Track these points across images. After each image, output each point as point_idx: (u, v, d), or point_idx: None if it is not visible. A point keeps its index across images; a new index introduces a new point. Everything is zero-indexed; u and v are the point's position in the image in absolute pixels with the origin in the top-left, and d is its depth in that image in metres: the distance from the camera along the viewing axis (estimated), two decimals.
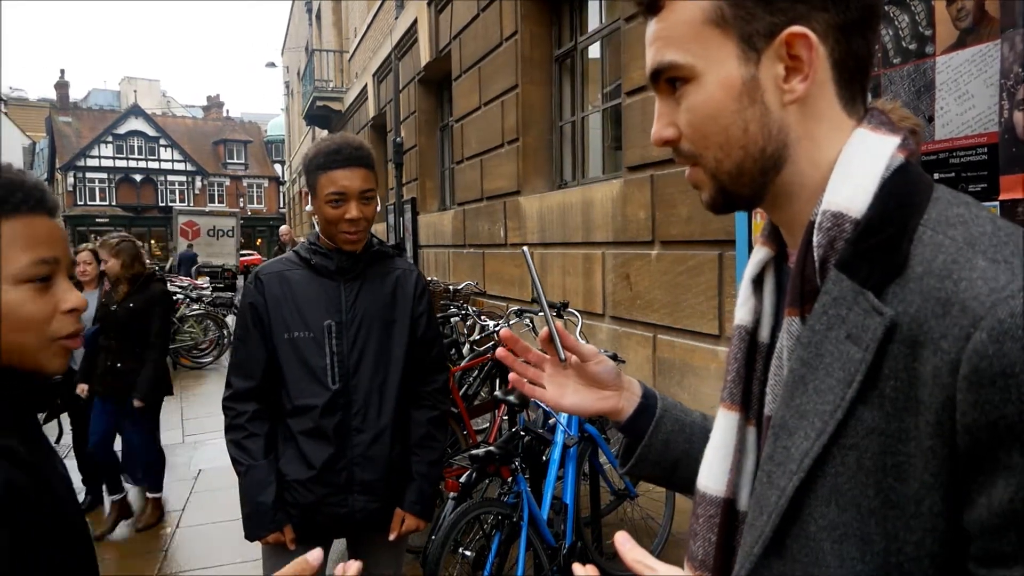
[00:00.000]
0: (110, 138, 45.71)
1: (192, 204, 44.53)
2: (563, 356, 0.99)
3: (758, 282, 0.82)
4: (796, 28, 0.69)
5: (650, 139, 0.80)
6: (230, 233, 23.99)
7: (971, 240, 0.63)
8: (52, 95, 50.14)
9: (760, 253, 0.83)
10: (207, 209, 29.84)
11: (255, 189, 50.19)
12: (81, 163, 44.86)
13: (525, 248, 0.99)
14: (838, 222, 0.68)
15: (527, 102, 7.26)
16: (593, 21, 6.68)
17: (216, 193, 48.58)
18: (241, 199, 48.68)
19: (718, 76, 0.72)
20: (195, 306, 10.99)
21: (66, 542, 0.88)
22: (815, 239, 0.70)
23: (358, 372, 2.01)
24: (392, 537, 2.08)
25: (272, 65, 30.93)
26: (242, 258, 22.42)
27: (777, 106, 0.72)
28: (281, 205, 48.61)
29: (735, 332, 0.81)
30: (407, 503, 2.08)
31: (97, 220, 45.35)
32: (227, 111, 56.25)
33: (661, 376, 4.95)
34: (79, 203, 44.89)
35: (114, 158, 45.81)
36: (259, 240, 46.91)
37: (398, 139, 11.61)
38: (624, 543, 0.74)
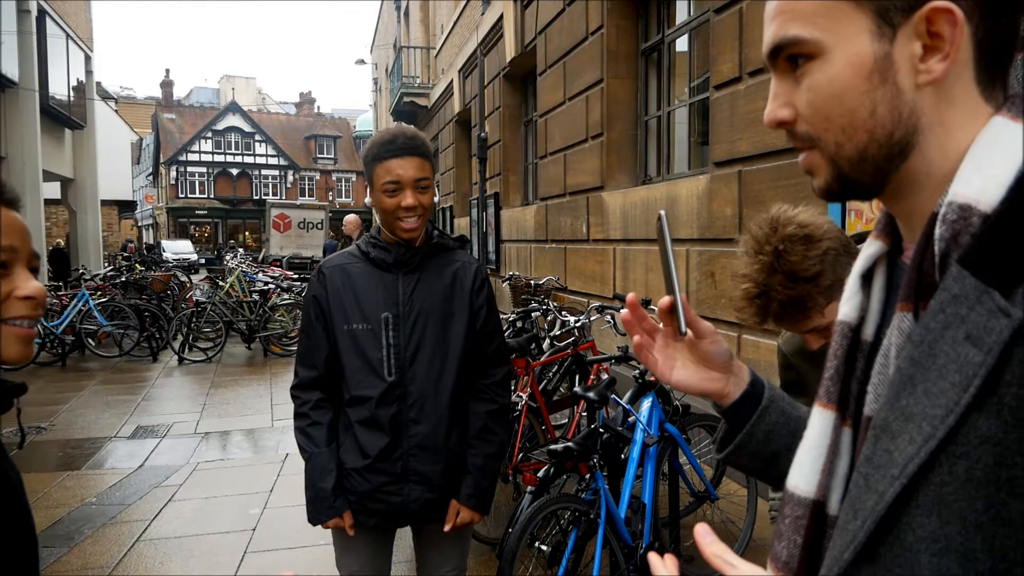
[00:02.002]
0: (209, 134, 47.88)
1: (284, 197, 46.12)
2: (683, 329, 0.96)
3: (867, 278, 0.77)
4: (939, 3, 0.63)
5: (764, 120, 0.75)
6: (319, 226, 24.74)
7: None
8: (158, 93, 52.89)
9: (872, 247, 0.77)
10: (298, 202, 30.88)
11: (343, 183, 51.57)
12: (183, 158, 47.16)
13: (662, 213, 0.94)
14: (964, 215, 0.63)
15: (612, 96, 7.19)
16: (681, 13, 6.55)
17: (307, 187, 50.19)
18: (330, 193, 50.10)
19: (847, 53, 0.67)
20: (285, 296, 11.39)
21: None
22: (937, 231, 0.64)
23: (414, 364, 2.03)
24: (447, 528, 2.10)
25: (361, 62, 31.65)
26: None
27: (910, 87, 0.66)
28: (367, 199, 49.72)
29: (837, 328, 0.77)
30: (462, 495, 2.09)
31: (196, 212, 47.60)
32: (318, 107, 58.00)
33: None
34: (180, 196, 47.22)
35: (213, 153, 47.96)
36: (336, 232, 48.19)
37: (482, 134, 11.70)
38: (704, 536, 0.71)
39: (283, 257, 21.93)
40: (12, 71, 14.26)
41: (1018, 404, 0.57)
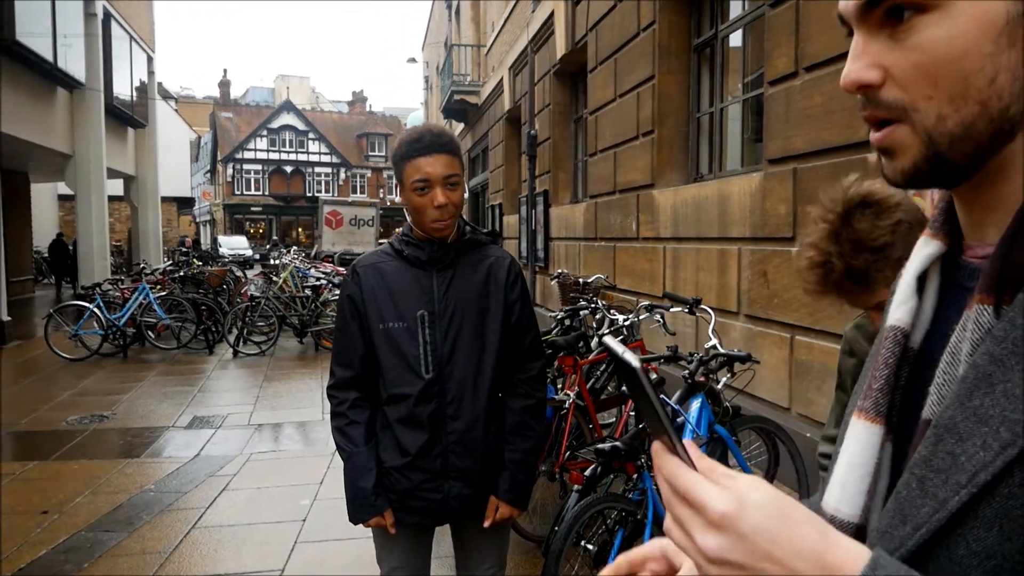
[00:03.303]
0: (265, 132, 48.92)
1: (336, 194, 46.89)
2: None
3: (920, 280, 0.69)
4: None
5: (841, 83, 0.65)
6: (370, 223, 25.05)
7: None
8: (216, 93, 54.23)
9: (930, 247, 0.69)
10: (349, 199, 31.35)
11: (394, 181, 52.11)
12: (239, 155, 48.28)
13: (637, 366, 0.59)
14: None
15: (663, 93, 7.10)
16: (735, 8, 6.44)
17: (358, 184, 50.91)
18: (381, 190, 50.72)
19: (975, 8, 0.57)
20: (336, 292, 11.57)
21: None
22: None
23: (451, 361, 2.03)
24: (486, 524, 2.10)
25: (413, 61, 31.94)
26: (380, 243, 23.30)
27: None
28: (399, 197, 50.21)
29: (888, 334, 0.68)
30: (500, 491, 2.09)
31: (251, 209, 48.67)
32: (370, 106, 58.77)
33: (798, 379, 4.72)
34: (236, 193, 48.34)
35: (268, 151, 49.00)
36: (397, 230, 48.69)
37: (532, 131, 11.70)
38: (693, 449, 0.60)
39: (335, 253, 22.28)
40: (79, 72, 14.78)
41: None
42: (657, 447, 0.60)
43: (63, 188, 19.40)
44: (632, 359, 0.57)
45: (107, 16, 16.61)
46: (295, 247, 27.49)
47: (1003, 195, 0.62)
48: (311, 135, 49.78)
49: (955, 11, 0.58)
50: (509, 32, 15.31)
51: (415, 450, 2.02)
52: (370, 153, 52.19)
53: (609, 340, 0.62)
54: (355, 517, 2.09)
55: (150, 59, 20.84)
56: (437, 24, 29.03)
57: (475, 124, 19.75)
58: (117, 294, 10.76)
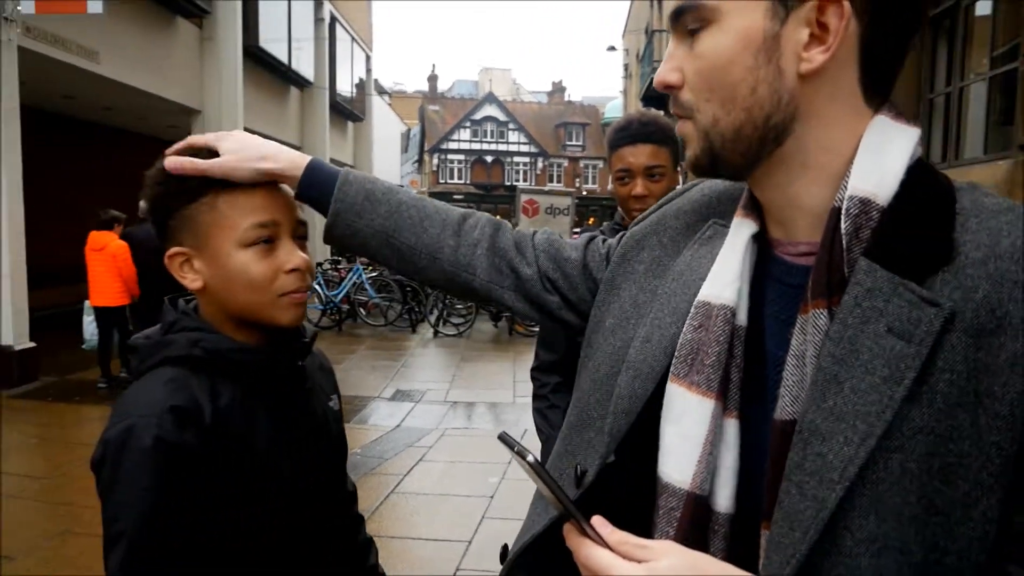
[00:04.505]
0: (468, 123, 51.07)
1: (533, 184, 47.92)
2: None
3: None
4: None
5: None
6: (565, 212, 25.31)
7: None
8: (425, 87, 57.41)
9: (747, 227, 0.74)
10: (546, 188, 31.85)
11: (590, 170, 52.32)
12: (444, 146, 50.83)
13: (531, 458, 0.62)
14: (865, 209, 0.64)
15: None
16: None
17: (555, 173, 51.68)
18: (577, 179, 51.12)
19: (740, 24, 0.66)
20: None
21: (241, 491, 0.97)
22: (843, 226, 0.64)
23: None
24: None
25: (612, 49, 31.80)
26: (574, 234, 23.52)
27: (792, 75, 0.66)
28: (611, 186, 50.08)
29: (718, 312, 0.72)
30: None
31: (454, 197, 51.07)
32: (568, 95, 59.32)
33: None
34: (441, 181, 50.99)
35: (470, 141, 51.12)
36: (591, 219, 48.95)
37: None
38: (603, 527, 0.62)
39: None
40: (309, 72, 16.28)
41: (950, 391, 0.58)
42: (567, 529, 0.63)
43: None
44: (527, 454, 0.60)
45: (333, 20, 18.12)
46: None
47: (792, 195, 0.70)
48: (511, 125, 51.22)
49: (726, 27, 0.67)
50: None
51: None
52: (567, 142, 52.74)
53: (506, 435, 0.63)
54: None
55: (368, 58, 22.49)
56: (638, 10, 28.66)
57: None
58: (335, 273, 11.77)
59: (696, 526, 0.70)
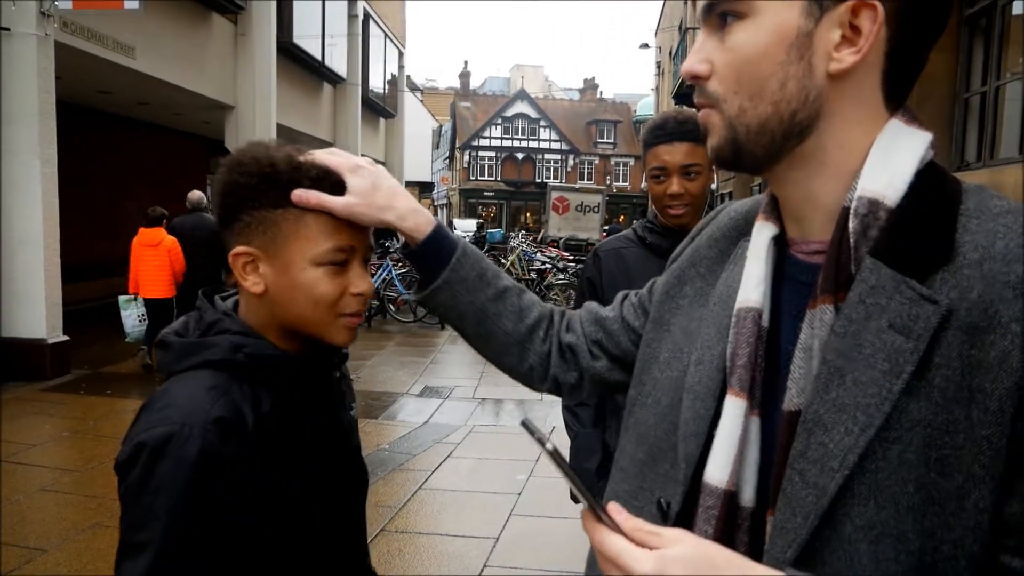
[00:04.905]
0: (499, 120, 51.09)
1: (564, 181, 47.80)
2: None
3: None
4: None
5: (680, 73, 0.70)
6: (596, 209, 25.27)
7: None
8: (457, 84, 57.54)
9: (767, 230, 0.77)
10: (576, 186, 31.80)
11: (621, 168, 52.09)
12: (475, 143, 50.92)
13: (551, 446, 0.65)
14: (873, 209, 0.66)
15: (926, 72, 6.34)
16: None
17: (586, 171, 51.50)
18: (608, 177, 50.92)
19: (775, 20, 0.68)
20: (560, 276, 11.83)
21: (279, 506, 0.96)
22: (851, 225, 0.67)
23: None
24: None
25: (645, 46, 31.58)
26: (603, 232, 23.45)
27: (821, 73, 0.69)
28: (644, 184, 49.84)
29: (747, 315, 0.75)
30: None
31: (484, 194, 51.19)
32: (600, 92, 59.05)
33: None
34: (471, 178, 51.09)
35: (501, 138, 51.14)
36: (621, 217, 48.77)
37: None
38: (618, 513, 0.64)
39: (560, 238, 22.76)
40: (342, 69, 16.41)
41: (947, 385, 0.60)
42: (584, 515, 0.65)
43: None
44: (547, 441, 0.63)
45: (366, 17, 18.25)
46: (523, 231, 28.38)
47: (809, 192, 0.72)
48: (542, 122, 51.13)
49: (760, 21, 0.69)
50: None
51: None
52: (598, 140, 52.53)
53: (528, 422, 0.66)
54: (575, 496, 2.12)
55: (400, 54, 22.61)
56: (671, 7, 28.42)
57: None
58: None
59: (729, 522, 0.73)
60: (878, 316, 0.63)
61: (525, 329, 1.05)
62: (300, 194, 0.94)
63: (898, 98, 0.72)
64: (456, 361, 8.96)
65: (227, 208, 0.99)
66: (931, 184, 0.68)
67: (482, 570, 3.58)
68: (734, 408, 0.73)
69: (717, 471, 0.73)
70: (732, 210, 0.91)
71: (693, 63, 0.74)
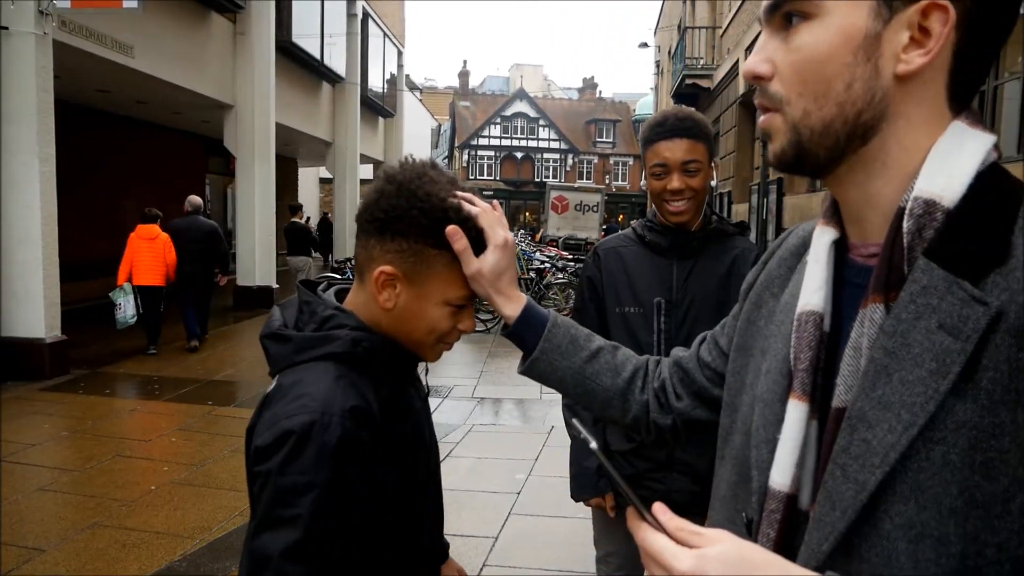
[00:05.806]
0: (498, 120, 51.06)
1: (563, 180, 47.80)
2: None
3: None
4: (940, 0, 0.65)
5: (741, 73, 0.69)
6: (595, 208, 25.26)
7: None
8: (456, 83, 57.51)
9: (827, 234, 0.78)
10: (575, 185, 31.81)
11: (620, 167, 52.08)
12: (474, 142, 50.89)
13: (593, 445, 0.70)
14: (929, 209, 0.66)
15: None
16: None
17: (585, 170, 51.48)
18: (607, 176, 50.90)
19: (843, 21, 0.68)
20: (559, 275, 11.82)
21: (399, 483, 1.08)
22: (905, 225, 0.67)
23: None
24: None
25: (645, 45, 31.58)
26: (602, 231, 23.43)
27: (888, 74, 0.68)
28: (643, 182, 49.80)
29: (807, 318, 0.75)
30: None
31: (483, 193, 50.70)
32: (600, 92, 59.06)
33: None
34: (470, 178, 51.03)
35: (500, 137, 51.11)
36: (620, 216, 48.77)
37: None
38: (663, 513, 0.65)
39: (559, 237, 22.76)
40: (341, 68, 16.39)
41: (993, 388, 0.59)
42: (630, 514, 0.66)
43: (324, 172, 21.69)
44: (590, 440, 0.65)
45: (365, 16, 18.23)
46: (522, 230, 28.37)
47: (870, 194, 0.72)
48: (541, 122, 51.12)
49: (827, 22, 0.69)
50: (747, 11, 14.56)
51: None
52: (598, 139, 52.51)
53: (576, 423, 0.70)
54: (576, 494, 2.14)
55: (400, 53, 22.58)
56: (671, 7, 28.43)
57: (706, 109, 19.11)
58: None
59: (790, 525, 0.73)
60: (928, 316, 0.63)
61: (623, 383, 1.12)
62: (454, 233, 1.04)
63: (963, 100, 0.71)
64: (455, 360, 8.95)
65: (386, 226, 1.06)
66: (990, 186, 0.67)
67: (481, 569, 3.58)
68: (796, 411, 0.74)
69: (779, 475, 0.74)
70: (801, 229, 0.92)
71: (755, 63, 0.73)
